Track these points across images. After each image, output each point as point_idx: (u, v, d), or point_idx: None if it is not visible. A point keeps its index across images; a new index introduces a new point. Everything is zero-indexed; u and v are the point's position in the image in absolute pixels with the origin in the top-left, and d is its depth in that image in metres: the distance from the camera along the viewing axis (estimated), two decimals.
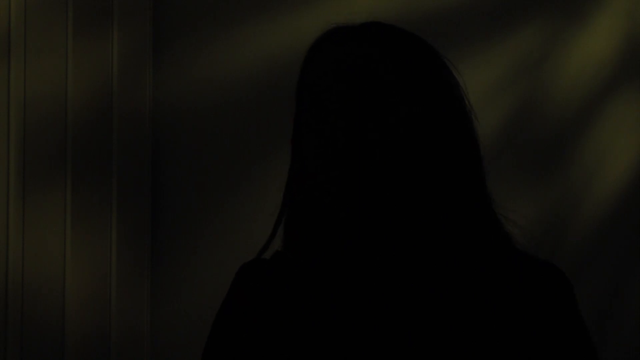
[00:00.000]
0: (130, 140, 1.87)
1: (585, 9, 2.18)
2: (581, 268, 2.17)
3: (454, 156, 1.16)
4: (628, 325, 2.21)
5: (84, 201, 1.83)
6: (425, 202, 1.15)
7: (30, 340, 1.81)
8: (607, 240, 2.20)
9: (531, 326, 1.13)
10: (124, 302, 1.86)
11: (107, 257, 1.85)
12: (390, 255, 1.15)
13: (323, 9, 2.00)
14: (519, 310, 1.13)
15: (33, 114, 1.82)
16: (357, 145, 1.12)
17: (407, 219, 1.15)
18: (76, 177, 1.83)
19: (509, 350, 1.11)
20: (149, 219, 1.88)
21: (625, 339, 2.21)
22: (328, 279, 1.15)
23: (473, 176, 1.17)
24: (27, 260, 1.81)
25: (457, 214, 1.15)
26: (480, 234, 1.16)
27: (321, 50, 1.18)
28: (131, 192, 1.86)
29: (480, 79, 2.10)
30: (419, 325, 1.11)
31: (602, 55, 2.20)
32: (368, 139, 1.12)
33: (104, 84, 1.85)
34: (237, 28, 1.96)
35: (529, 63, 2.14)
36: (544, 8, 2.15)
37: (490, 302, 1.13)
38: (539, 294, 1.14)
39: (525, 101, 2.14)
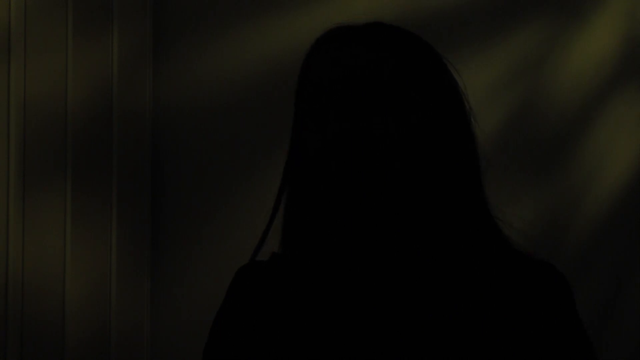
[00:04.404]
0: (130, 140, 1.87)
1: (585, 9, 2.18)
2: (581, 268, 2.17)
3: (451, 157, 1.16)
4: (628, 325, 2.21)
5: (84, 201, 1.84)
6: (423, 204, 1.15)
7: (30, 340, 1.81)
8: (607, 240, 2.20)
9: (529, 327, 1.13)
10: (124, 302, 1.86)
11: (107, 257, 1.85)
12: (387, 258, 1.15)
13: (323, 9, 2.00)
14: (517, 311, 1.13)
15: (33, 114, 1.82)
16: (355, 146, 1.12)
17: (405, 220, 1.15)
18: (76, 177, 1.83)
19: (507, 351, 1.11)
20: (149, 219, 1.88)
21: (625, 339, 2.21)
22: (325, 281, 1.15)
23: (470, 178, 1.17)
24: (27, 260, 1.82)
25: (453, 215, 1.15)
26: (476, 235, 1.16)
27: (322, 50, 1.17)
28: (131, 192, 1.86)
29: (480, 79, 2.10)
30: (417, 327, 1.12)
31: (602, 55, 2.20)
32: (366, 141, 1.12)
33: (104, 84, 1.85)
34: (237, 28, 1.96)
35: (529, 63, 2.14)
36: (544, 8, 2.15)
37: (487, 303, 1.13)
38: (536, 295, 1.14)
39: (525, 101, 2.14)
